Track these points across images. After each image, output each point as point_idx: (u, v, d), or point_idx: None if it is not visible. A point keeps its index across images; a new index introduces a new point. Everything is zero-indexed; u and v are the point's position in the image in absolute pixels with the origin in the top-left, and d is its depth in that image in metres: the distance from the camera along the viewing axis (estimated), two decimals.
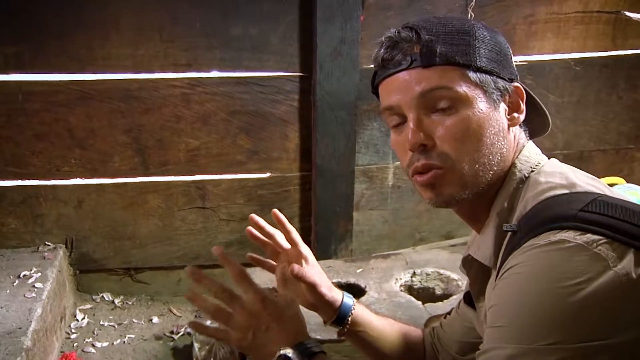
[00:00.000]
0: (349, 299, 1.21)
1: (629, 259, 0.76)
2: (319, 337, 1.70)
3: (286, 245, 1.21)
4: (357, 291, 2.00)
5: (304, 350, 0.95)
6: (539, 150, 0.99)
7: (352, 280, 2.05)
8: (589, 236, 0.77)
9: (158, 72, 2.18)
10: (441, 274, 2.08)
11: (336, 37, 2.14)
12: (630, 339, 0.74)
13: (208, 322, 1.41)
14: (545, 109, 1.01)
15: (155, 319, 2.31)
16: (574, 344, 0.74)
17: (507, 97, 0.95)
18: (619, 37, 2.37)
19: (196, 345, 1.85)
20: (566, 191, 0.86)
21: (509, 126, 0.95)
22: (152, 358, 2.12)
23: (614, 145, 2.53)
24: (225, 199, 2.37)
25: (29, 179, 2.25)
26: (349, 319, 1.20)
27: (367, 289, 1.99)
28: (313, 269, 1.18)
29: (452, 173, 0.91)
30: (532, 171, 0.94)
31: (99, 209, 2.32)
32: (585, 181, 0.88)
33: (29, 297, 1.98)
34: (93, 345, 2.15)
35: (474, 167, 0.91)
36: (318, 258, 2.32)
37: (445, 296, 2.02)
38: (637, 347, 0.74)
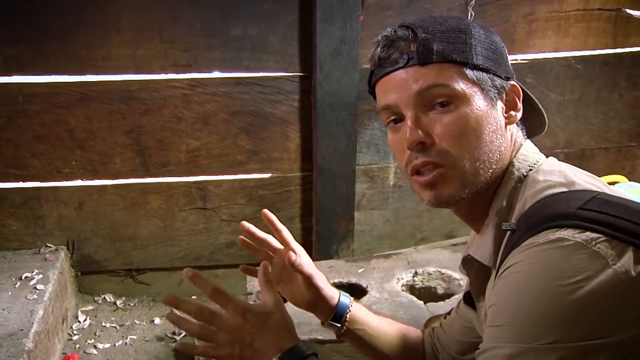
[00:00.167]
0: (346, 298, 1.21)
1: (628, 256, 0.76)
2: (320, 337, 1.70)
3: (279, 246, 1.20)
4: (358, 291, 2.00)
5: (293, 356, 0.95)
6: (537, 149, 0.99)
7: (353, 280, 2.04)
8: (588, 234, 0.77)
9: (158, 73, 2.18)
10: (443, 274, 2.07)
11: (336, 37, 2.13)
12: (629, 337, 0.74)
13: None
14: (542, 108, 1.01)
15: (157, 320, 2.31)
16: (574, 343, 0.74)
17: (504, 95, 0.95)
18: (619, 34, 2.36)
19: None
20: (565, 189, 0.86)
21: (506, 124, 0.95)
22: (153, 359, 2.12)
23: (615, 143, 2.52)
24: (226, 199, 2.37)
25: (30, 181, 2.25)
26: (347, 316, 1.19)
27: (368, 289, 1.98)
28: (309, 264, 1.18)
29: (453, 170, 0.91)
30: (531, 170, 0.94)
31: (100, 210, 2.33)
32: (584, 179, 0.88)
33: (31, 298, 1.98)
34: (95, 347, 2.15)
35: (475, 164, 0.91)
36: (319, 258, 2.35)
37: (447, 296, 2.02)
38: (636, 345, 0.74)
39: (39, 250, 2.30)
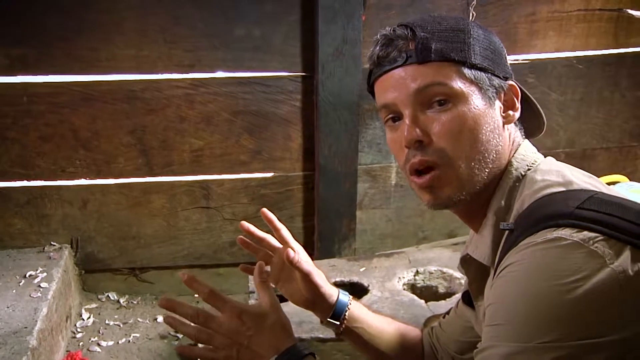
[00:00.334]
0: (344, 296, 1.21)
1: (626, 256, 0.76)
2: (320, 335, 1.71)
3: (278, 245, 1.21)
4: (360, 290, 2.01)
5: (290, 356, 0.96)
6: (535, 149, 0.99)
7: (355, 279, 2.05)
8: (586, 233, 0.78)
9: (161, 73, 2.19)
10: (444, 273, 2.08)
11: (338, 36, 2.14)
12: (627, 336, 0.74)
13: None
14: (540, 109, 1.01)
15: (160, 318, 2.32)
16: (571, 342, 0.74)
17: (502, 95, 0.95)
18: (621, 35, 2.37)
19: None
20: (563, 189, 0.86)
21: (504, 124, 0.95)
22: (157, 357, 2.13)
23: (617, 143, 2.52)
24: (229, 198, 2.39)
25: (35, 180, 2.26)
26: (346, 314, 1.19)
27: (370, 288, 1.99)
28: (308, 261, 1.19)
29: (449, 169, 0.91)
30: (529, 169, 0.94)
31: (104, 209, 2.34)
32: (581, 179, 0.89)
33: (35, 296, 1.99)
34: (98, 345, 2.17)
35: (470, 164, 0.91)
36: (321, 257, 2.35)
37: (448, 294, 2.03)
38: (634, 345, 0.75)
39: (43, 248, 2.32)
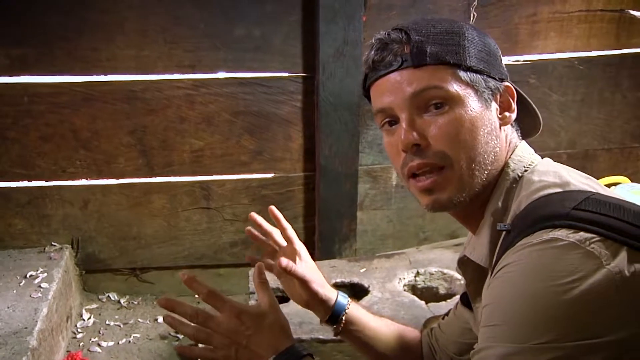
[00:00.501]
0: (343, 298, 1.22)
1: (622, 256, 0.76)
2: (321, 336, 1.71)
3: (283, 242, 1.22)
4: (360, 291, 2.01)
5: (289, 356, 0.96)
6: (532, 150, 0.99)
7: (355, 279, 2.05)
8: (582, 234, 0.77)
9: (162, 74, 2.19)
10: (445, 274, 2.08)
11: (339, 37, 2.14)
12: (623, 337, 0.74)
13: None
14: (536, 110, 1.01)
15: (160, 319, 2.32)
16: (567, 343, 0.74)
17: (498, 96, 0.95)
18: (622, 35, 2.36)
19: (200, 346, 1.86)
20: (559, 190, 0.86)
21: (500, 125, 0.95)
22: (157, 357, 2.13)
23: (618, 144, 2.52)
24: (230, 199, 2.39)
25: (35, 180, 2.27)
26: (343, 317, 1.20)
27: (370, 289, 1.99)
28: (306, 266, 1.19)
29: (450, 173, 0.91)
30: (526, 171, 0.94)
31: (105, 209, 2.34)
32: (579, 180, 0.88)
33: (35, 297, 1.99)
34: (99, 345, 2.17)
35: (471, 165, 0.91)
36: (322, 258, 2.35)
37: (448, 296, 2.02)
38: (631, 345, 0.74)
39: (44, 248, 2.32)
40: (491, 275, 0.89)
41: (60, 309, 2.09)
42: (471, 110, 0.91)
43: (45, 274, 2.13)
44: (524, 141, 1.00)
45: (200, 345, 1.02)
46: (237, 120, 2.28)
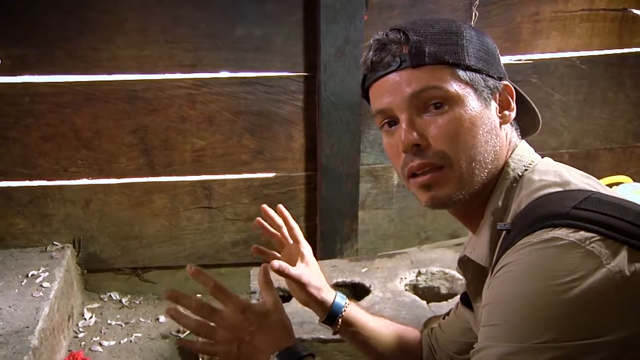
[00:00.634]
0: (341, 299, 1.22)
1: (623, 256, 0.76)
2: (322, 336, 1.71)
3: (290, 240, 1.23)
4: (361, 290, 2.01)
5: (290, 356, 0.96)
6: (532, 149, 0.99)
7: (356, 279, 2.05)
8: (582, 233, 0.77)
9: (163, 73, 2.19)
10: (446, 273, 2.07)
11: (340, 37, 2.14)
12: (623, 336, 0.74)
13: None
14: (535, 108, 1.01)
15: (162, 318, 2.33)
16: (567, 342, 0.73)
17: (497, 95, 0.95)
18: (625, 34, 2.35)
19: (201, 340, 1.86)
20: (560, 189, 0.86)
21: (500, 124, 0.95)
22: (158, 357, 2.13)
23: (620, 143, 2.51)
24: (231, 198, 2.39)
25: (37, 180, 2.27)
26: (340, 319, 1.21)
27: (371, 289, 1.99)
28: (305, 268, 1.20)
29: (450, 171, 0.91)
30: (526, 170, 0.94)
31: (106, 209, 2.34)
32: (579, 179, 0.88)
33: (37, 296, 2.00)
34: (100, 344, 2.17)
35: (471, 165, 0.91)
36: (323, 257, 2.35)
37: (450, 295, 2.02)
38: (631, 345, 0.74)
39: (46, 248, 2.32)
40: (491, 274, 0.89)
41: (61, 309, 2.09)
42: (471, 110, 0.91)
43: (47, 274, 2.13)
44: (524, 140, 1.00)
45: (201, 339, 1.02)
46: (238, 119, 2.27)
